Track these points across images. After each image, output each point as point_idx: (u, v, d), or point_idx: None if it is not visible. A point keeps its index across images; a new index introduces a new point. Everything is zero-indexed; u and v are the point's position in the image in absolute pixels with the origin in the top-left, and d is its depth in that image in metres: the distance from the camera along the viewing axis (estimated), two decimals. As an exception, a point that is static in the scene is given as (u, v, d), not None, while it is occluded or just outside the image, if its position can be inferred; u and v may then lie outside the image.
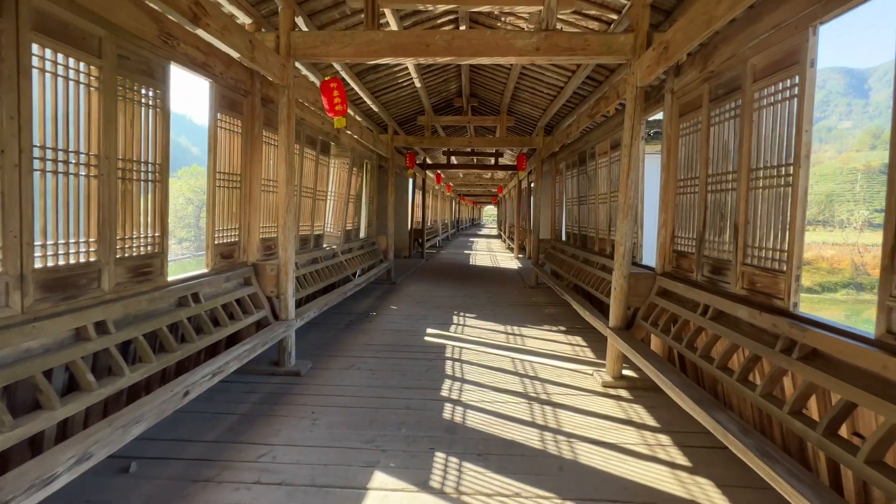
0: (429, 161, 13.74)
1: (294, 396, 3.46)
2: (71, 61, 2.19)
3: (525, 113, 8.73)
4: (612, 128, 5.26)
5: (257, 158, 3.99)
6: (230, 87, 3.60)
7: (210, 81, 3.35)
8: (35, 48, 2.01)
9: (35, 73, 2.02)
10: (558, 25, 4.67)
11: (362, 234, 8.43)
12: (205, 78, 3.26)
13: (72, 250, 2.28)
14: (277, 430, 2.94)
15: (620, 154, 3.83)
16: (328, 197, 6.39)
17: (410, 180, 13.50)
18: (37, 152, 2.05)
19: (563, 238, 8.46)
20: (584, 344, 4.93)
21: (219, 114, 3.50)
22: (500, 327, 5.58)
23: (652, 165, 4.56)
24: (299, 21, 4.14)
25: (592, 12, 4.31)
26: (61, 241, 2.22)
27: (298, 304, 4.65)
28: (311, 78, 5.45)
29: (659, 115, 4.43)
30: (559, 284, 6.56)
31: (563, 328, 5.59)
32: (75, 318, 2.22)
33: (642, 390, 3.65)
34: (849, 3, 1.95)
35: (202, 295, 3.22)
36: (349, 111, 6.52)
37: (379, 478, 2.44)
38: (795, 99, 2.28)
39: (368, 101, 7.04)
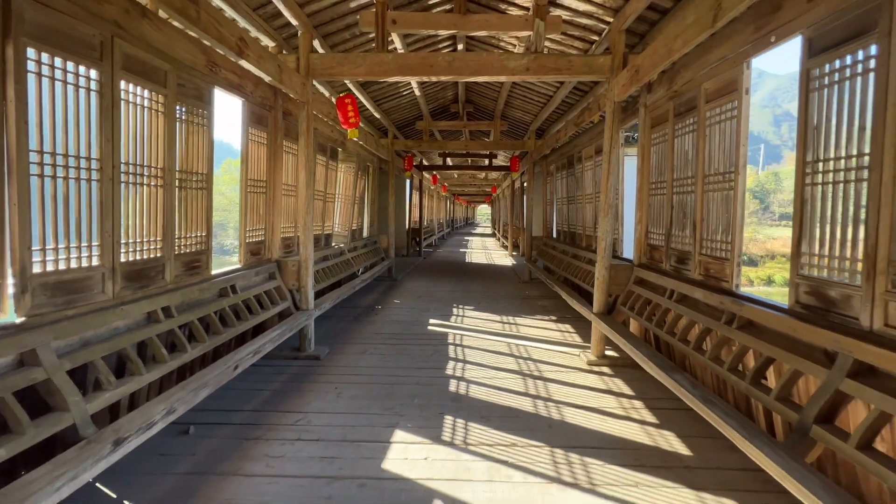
0: (425, 162, 14.22)
1: (317, 376, 3.95)
2: (147, 92, 2.66)
3: (517, 118, 9.25)
4: (596, 134, 5.78)
5: (279, 166, 4.47)
6: (258, 104, 4.08)
7: (242, 100, 3.83)
8: (122, 84, 2.48)
9: (122, 103, 2.50)
10: (547, 42, 5.19)
11: (365, 234, 8.91)
12: (238, 97, 3.74)
13: (145, 248, 2.76)
14: (308, 401, 3.43)
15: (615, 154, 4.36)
16: (336, 199, 6.87)
17: (408, 181, 13.96)
18: (122, 167, 2.52)
19: (554, 235, 8.99)
20: (572, 331, 5.46)
21: (249, 128, 3.98)
22: (497, 317, 6.09)
23: (632, 166, 5.09)
24: (315, 43, 4.62)
25: (576, 33, 4.83)
26: (138, 239, 2.70)
27: (314, 297, 5.13)
28: (321, 89, 5.92)
29: (636, 124, 4.96)
30: (551, 278, 7.09)
31: (553, 317, 6.12)
32: (150, 304, 2.70)
33: (622, 367, 4.18)
34: (770, 46, 2.47)
35: (238, 287, 3.70)
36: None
37: (399, 434, 2.94)
38: (735, 119, 2.81)
39: (371, 109, 7.52)
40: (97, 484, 2.35)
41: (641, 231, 4.28)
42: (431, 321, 5.89)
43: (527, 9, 4.55)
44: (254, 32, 4.07)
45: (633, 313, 3.99)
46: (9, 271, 1.98)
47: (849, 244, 1.99)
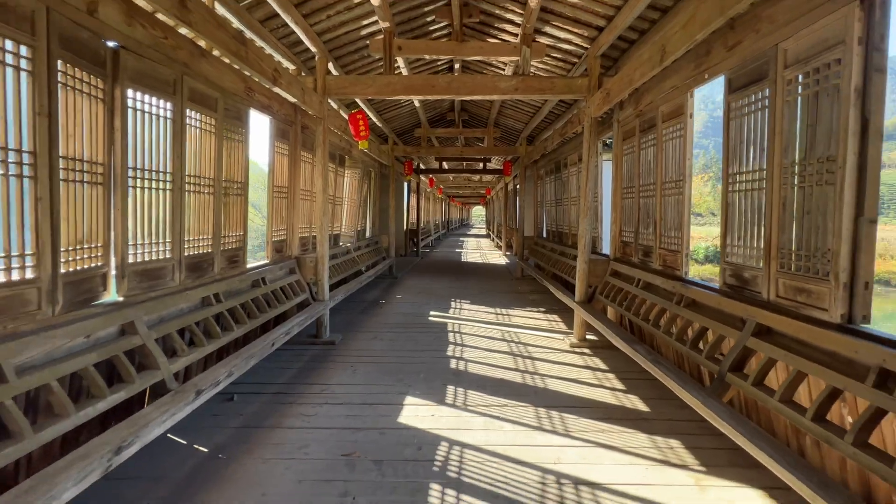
0: (423, 166, 14.82)
1: (334, 357, 4.53)
2: (203, 116, 3.26)
3: (510, 126, 9.89)
4: (579, 144, 6.41)
5: (298, 174, 5.06)
6: (282, 121, 4.67)
7: (270, 118, 4.42)
8: (188, 111, 3.07)
9: (187, 127, 3.09)
10: (533, 64, 5.82)
11: (368, 234, 9.50)
12: (267, 116, 4.33)
13: (201, 244, 3.34)
14: (329, 376, 4.02)
15: (594, 162, 4.99)
16: (343, 202, 7.46)
17: (406, 184, 14.56)
18: (187, 179, 3.11)
19: (544, 235, 9.63)
20: (559, 320, 6.08)
21: (275, 141, 4.57)
22: (491, 310, 6.71)
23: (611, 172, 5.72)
24: (330, 65, 5.22)
25: (559, 56, 5.46)
26: (196, 238, 3.29)
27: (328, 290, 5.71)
28: (333, 105, 6.52)
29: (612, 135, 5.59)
30: (540, 275, 7.72)
31: (542, 309, 6.74)
32: (204, 290, 3.29)
33: (600, 348, 4.80)
34: (705, 81, 3.11)
35: (267, 279, 4.29)
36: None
37: (409, 399, 3.54)
38: (682, 138, 3.44)
39: (374, 118, 8.12)
40: (168, 434, 2.93)
41: (616, 230, 4.91)
42: (432, 313, 6.49)
43: (515, 36, 5.17)
44: (277, 56, 4.67)
45: (609, 301, 4.62)
46: (112, 261, 2.57)
47: (755, 238, 2.62)
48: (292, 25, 4.22)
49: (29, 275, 2.03)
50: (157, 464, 2.58)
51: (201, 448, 2.79)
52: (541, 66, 5.98)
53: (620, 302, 4.34)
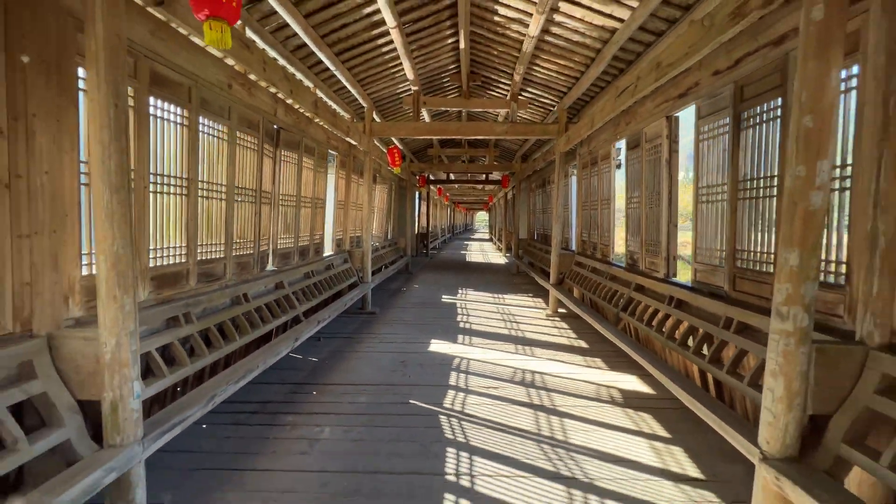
0: (432, 177, 16.80)
1: (378, 321, 6.46)
2: (308, 160, 5.22)
3: (507, 147, 11.85)
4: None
5: (350, 191, 7.03)
6: (342, 155, 6.65)
7: (335, 153, 6.39)
8: (304, 160, 5.04)
9: (303, 170, 5.05)
10: (520, 112, 7.76)
11: (389, 236, 11.46)
12: (335, 153, 6.30)
13: (306, 239, 5.30)
14: (378, 330, 5.94)
15: (564, 182, 6.94)
16: (374, 211, 9.43)
17: (417, 193, 16.54)
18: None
19: (535, 238, 11.55)
20: (541, 301, 7.99)
21: (338, 170, 6.54)
22: (489, 294, 8.63)
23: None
24: (374, 114, 7.20)
25: (539, 106, 7.41)
26: (304, 235, 5.25)
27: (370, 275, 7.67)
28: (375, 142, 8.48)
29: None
30: (531, 270, 9.64)
31: (530, 294, 8.65)
32: (307, 268, 5.23)
33: (567, 317, 6.70)
34: (618, 139, 5.04)
35: (334, 264, 6.24)
36: (382, 149, 9.57)
37: (433, 341, 5.46)
38: (609, 172, 5.38)
39: (396, 143, 10.10)
40: (291, 354, 4.85)
41: (579, 232, 6.84)
42: (444, 297, 8.41)
43: (506, 94, 7.13)
44: (336, 107, 6.64)
45: (574, 283, 6.53)
46: (270, 247, 4.52)
47: (639, 237, 4.54)
48: (353, 91, 6.20)
49: (249, 250, 3.98)
50: (292, 363, 4.52)
51: (312, 359, 4.72)
52: (524, 114, 7.94)
53: (582, 284, 6.26)
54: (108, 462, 1.87)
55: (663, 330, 3.63)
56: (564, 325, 6.31)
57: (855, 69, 2.18)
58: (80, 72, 2.20)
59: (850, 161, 2.22)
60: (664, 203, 3.85)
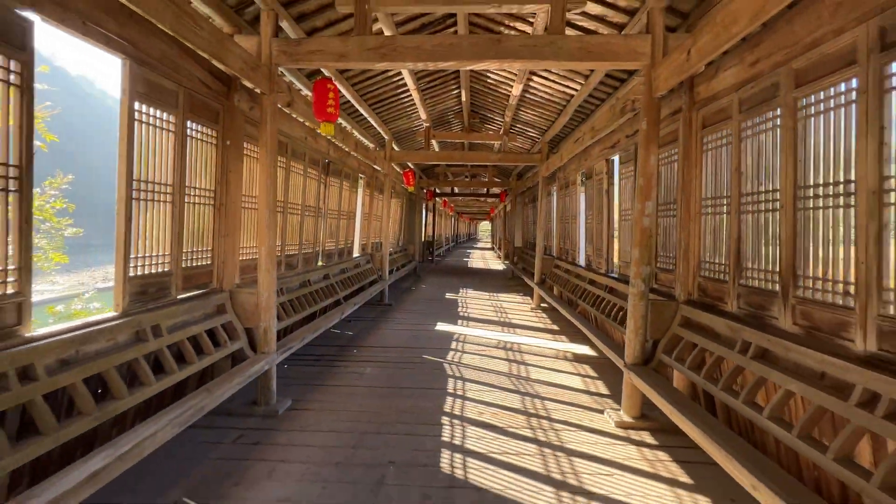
0: (438, 190, 18.46)
1: (394, 311, 8.04)
2: (345, 183, 6.87)
3: (504, 166, 13.48)
4: (546, 184, 9.97)
5: (374, 206, 8.66)
6: (367, 176, 8.30)
7: (362, 176, 8.04)
8: (359, 190, 6.68)
9: (358, 195, 6.69)
10: (511, 143, 9.40)
11: (401, 244, 13.08)
12: (362, 176, 7.95)
13: (341, 243, 6.92)
14: (395, 317, 7.52)
15: (547, 200, 8.54)
16: (390, 221, 11.06)
17: (424, 205, 18.18)
18: (341, 212, 6.71)
19: (527, 246, 13.12)
20: (529, 298, 9.55)
21: (364, 189, 8.19)
22: (486, 293, 10.20)
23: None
24: (393, 144, 8.86)
25: (527, 138, 9.05)
26: (342, 240, 6.87)
27: (388, 274, 9.28)
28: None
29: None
30: (523, 274, 11.21)
31: (521, 293, 10.22)
32: (343, 265, 6.84)
33: (547, 310, 8.25)
34: (583, 169, 6.64)
35: (360, 263, 7.85)
36: (397, 168, 11.23)
37: (439, 324, 7.04)
38: (574, 194, 6.97)
39: (410, 165, 11.77)
40: (332, 329, 6.43)
41: (558, 241, 8.43)
42: (447, 294, 9.99)
43: (499, 129, 8.78)
44: (363, 139, 8.29)
45: (552, 281, 8.10)
46: (312, 250, 6.13)
47: (595, 244, 6.10)
48: (378, 128, 7.85)
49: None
50: (334, 336, 6.11)
51: (349, 333, 6.31)
52: (515, 144, 9.57)
53: (556, 281, 7.83)
54: (260, 362, 3.46)
55: (603, 308, 5.18)
56: (544, 315, 7.86)
57: (674, 151, 3.78)
58: (245, 146, 3.85)
59: (673, 199, 3.81)
60: (604, 219, 5.44)
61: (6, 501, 1.74)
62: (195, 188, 3.32)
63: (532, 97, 6.62)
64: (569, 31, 4.00)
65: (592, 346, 5.62)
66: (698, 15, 3.39)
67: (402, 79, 5.98)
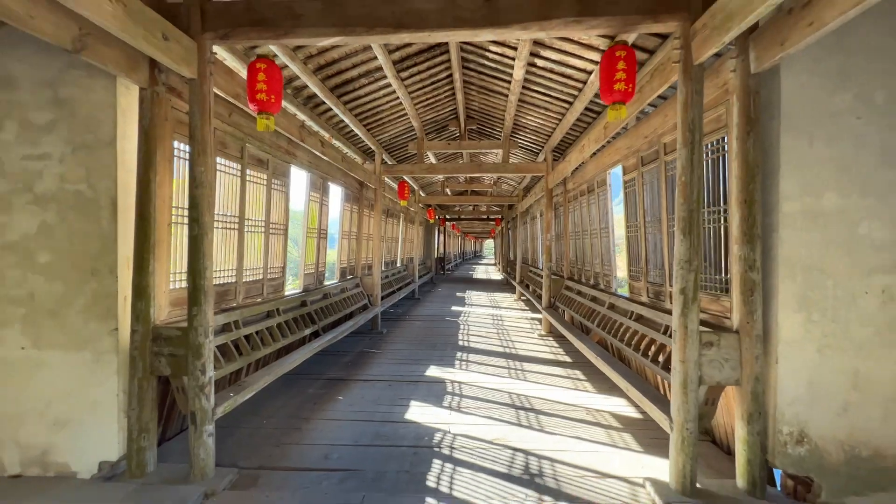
0: (447, 216, 22.69)
1: (421, 300, 12.12)
2: (349, 206, 11.03)
3: (500, 192, 17.66)
4: (536, 205, 14.10)
5: (415, 232, 12.83)
6: (404, 211, 12.47)
7: (403, 214, 12.20)
8: (383, 218, 10.83)
9: (392, 223, 10.84)
10: (514, 151, 13.55)
11: (422, 259, 17.20)
12: (401, 213, 12.11)
13: (351, 261, 11.04)
14: (423, 305, 11.59)
15: (536, 223, 12.62)
16: (414, 241, 15.23)
17: (436, 228, 22.37)
18: (364, 235, 10.86)
19: (513, 258, 17.16)
20: (514, 295, 13.59)
21: (403, 222, 12.36)
22: (486, 295, 14.25)
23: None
24: (383, 156, 13.08)
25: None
26: (351, 257, 11.00)
27: (417, 279, 13.38)
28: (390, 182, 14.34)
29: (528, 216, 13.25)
30: (511, 279, 15.24)
31: (510, 293, 14.26)
32: (388, 272, 10.95)
33: (524, 302, 12.28)
34: (554, 209, 10.72)
35: (401, 271, 11.96)
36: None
37: (453, 307, 11.10)
38: (593, 203, 11.05)
39: (408, 180, 15.94)
40: (386, 310, 10.49)
41: (526, 251, 12.51)
42: (457, 293, 14.06)
43: (499, 138, 12.91)
44: (346, 150, 12.51)
45: (526, 280, 12.13)
46: (361, 264, 10.28)
47: (556, 257, 10.14)
48: (364, 137, 12.01)
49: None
50: (405, 302, 10.19)
51: (399, 311, 10.37)
52: (517, 156, 13.63)
53: (527, 279, 11.87)
54: (374, 310, 7.55)
55: (533, 283, 9.15)
56: (523, 304, 11.87)
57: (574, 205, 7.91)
58: (366, 212, 8.07)
59: (571, 231, 7.90)
60: (541, 247, 9.52)
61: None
62: (366, 233, 7.46)
63: (536, 90, 10.11)
64: (512, 159, 8.18)
65: (516, 293, 9.61)
66: (564, 152, 7.52)
67: (389, 83, 10.17)
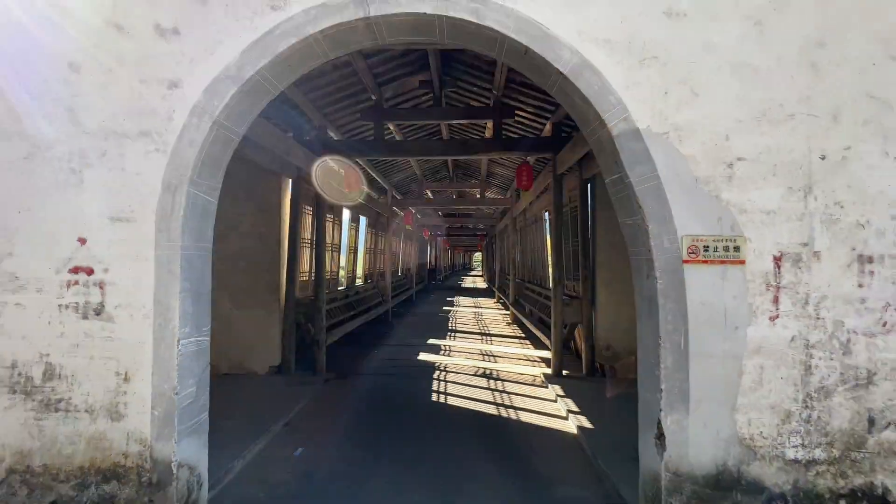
0: (439, 233, 25.59)
1: (422, 301, 14.94)
2: (370, 230, 13.90)
3: (483, 214, 20.67)
4: (510, 227, 17.05)
5: (400, 246, 15.70)
6: (370, 217, 15.36)
7: (403, 233, 15.09)
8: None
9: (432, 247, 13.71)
10: (489, 192, 16.52)
11: (417, 269, 20.02)
12: (402, 232, 14.99)
13: (373, 275, 13.89)
14: (427, 300, 14.42)
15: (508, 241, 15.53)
16: (410, 255, 18.06)
17: (428, 243, 25.25)
18: (379, 252, 13.72)
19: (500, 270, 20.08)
20: (495, 300, 16.46)
21: (392, 237, 15.23)
22: (472, 299, 17.11)
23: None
24: (393, 193, 16.00)
25: (500, 188, 16.16)
26: (368, 272, 13.83)
27: (415, 286, 16.19)
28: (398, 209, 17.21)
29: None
30: (493, 287, 18.12)
31: (491, 298, 17.13)
32: (398, 282, 13.78)
33: (504, 304, 15.16)
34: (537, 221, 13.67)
35: (406, 281, 14.80)
36: (400, 212, 18.29)
37: (444, 308, 13.94)
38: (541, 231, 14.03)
39: (419, 217, 18.86)
40: (404, 299, 13.27)
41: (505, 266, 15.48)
42: (447, 298, 16.90)
43: (478, 181, 15.84)
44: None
45: (504, 289, 15.03)
46: (387, 276, 13.12)
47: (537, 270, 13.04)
48: (381, 181, 14.85)
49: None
50: (404, 305, 12.98)
51: (401, 310, 13.16)
52: (492, 193, 16.58)
53: (506, 286, 14.78)
54: (387, 304, 10.39)
55: (506, 282, 11.98)
56: (501, 308, 14.72)
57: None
58: (381, 233, 10.94)
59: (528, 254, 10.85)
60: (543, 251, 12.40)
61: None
62: (380, 249, 10.32)
63: (497, 172, 13.63)
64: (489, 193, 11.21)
65: (495, 296, 12.45)
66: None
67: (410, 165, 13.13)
